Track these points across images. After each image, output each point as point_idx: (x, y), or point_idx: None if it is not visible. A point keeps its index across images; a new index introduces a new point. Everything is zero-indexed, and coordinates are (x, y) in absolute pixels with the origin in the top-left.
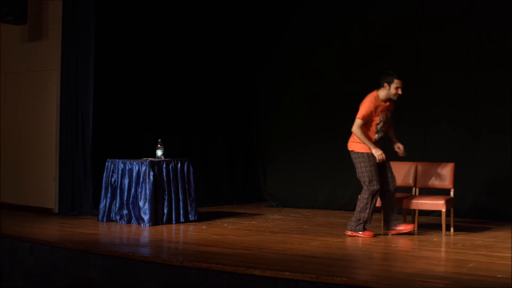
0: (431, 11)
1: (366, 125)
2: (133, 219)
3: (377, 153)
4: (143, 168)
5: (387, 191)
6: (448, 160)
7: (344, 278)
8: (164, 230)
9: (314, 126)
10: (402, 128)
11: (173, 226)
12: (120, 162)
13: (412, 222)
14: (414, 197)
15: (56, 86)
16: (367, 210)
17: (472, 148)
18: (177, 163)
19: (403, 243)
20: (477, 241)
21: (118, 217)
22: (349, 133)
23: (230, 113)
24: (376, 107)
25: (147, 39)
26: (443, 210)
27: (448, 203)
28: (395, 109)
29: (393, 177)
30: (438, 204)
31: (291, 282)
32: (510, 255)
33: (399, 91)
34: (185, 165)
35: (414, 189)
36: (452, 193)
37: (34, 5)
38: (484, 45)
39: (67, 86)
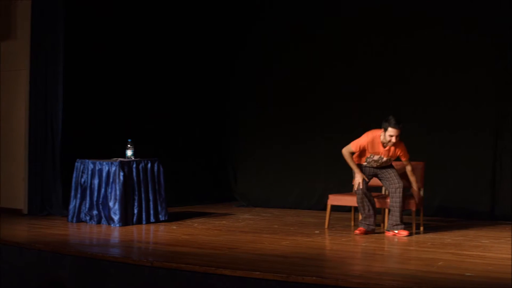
0: (405, 10)
1: (360, 153)
2: (103, 220)
3: (356, 178)
4: (113, 168)
5: (391, 193)
6: (418, 160)
7: (314, 278)
8: (134, 231)
9: (285, 126)
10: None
11: (143, 226)
12: (89, 163)
13: (382, 221)
14: (384, 196)
15: (25, 86)
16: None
17: (442, 147)
18: (147, 163)
19: (373, 242)
20: (446, 239)
21: (88, 218)
22: (319, 133)
23: (200, 113)
24: (371, 146)
25: (117, 39)
26: (413, 209)
27: (417, 198)
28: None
29: (396, 179)
30: (408, 203)
31: (261, 281)
32: (479, 253)
33: (393, 139)
34: (155, 165)
35: (384, 188)
36: (422, 192)
37: (2, 4)
38: (458, 45)
39: (36, 86)
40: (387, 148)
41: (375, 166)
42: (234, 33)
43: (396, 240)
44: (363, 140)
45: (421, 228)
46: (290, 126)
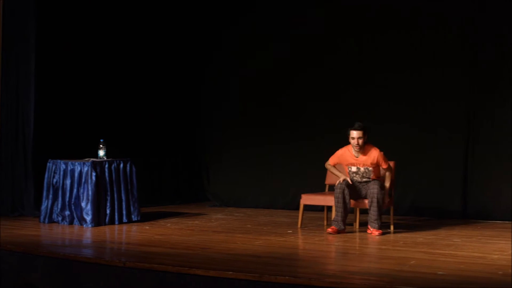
0: (379, 10)
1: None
2: (75, 220)
3: (339, 179)
4: (85, 169)
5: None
6: (389, 159)
7: (287, 277)
8: (107, 231)
9: (258, 126)
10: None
11: (116, 226)
12: (61, 163)
13: (355, 220)
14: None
15: None
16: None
17: (414, 147)
18: (120, 163)
19: (346, 242)
20: (418, 238)
21: (60, 218)
22: (292, 133)
23: (173, 113)
24: (344, 158)
25: (90, 39)
26: (383, 208)
27: (388, 201)
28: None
29: (373, 183)
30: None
31: (234, 281)
32: (450, 252)
33: (355, 142)
34: (128, 165)
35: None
36: (392, 191)
37: None
38: (430, 45)
39: (8, 86)
40: (360, 157)
41: (359, 179)
42: (209, 32)
43: (369, 239)
44: (337, 152)
45: (391, 228)
46: (263, 126)
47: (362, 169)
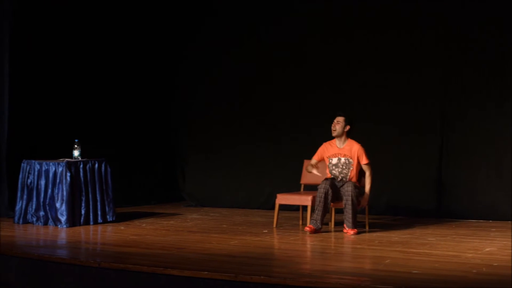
0: (354, 10)
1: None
2: (50, 221)
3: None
4: (60, 169)
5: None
6: None
7: (262, 277)
8: (82, 231)
9: (233, 126)
10: (325, 127)
11: (91, 227)
12: (36, 163)
13: (329, 220)
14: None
15: None
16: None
17: (389, 146)
18: (94, 164)
19: (321, 241)
20: (393, 237)
21: (34, 219)
22: (268, 133)
23: (148, 113)
24: (327, 148)
25: (64, 38)
26: (359, 207)
27: (363, 200)
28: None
29: (347, 185)
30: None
31: (209, 281)
32: (425, 251)
33: (333, 125)
34: (103, 165)
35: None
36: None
37: None
38: (406, 45)
39: None
40: (342, 148)
41: (337, 174)
42: (182, 31)
43: (344, 238)
44: (320, 148)
45: (367, 227)
46: (238, 125)
47: (343, 159)
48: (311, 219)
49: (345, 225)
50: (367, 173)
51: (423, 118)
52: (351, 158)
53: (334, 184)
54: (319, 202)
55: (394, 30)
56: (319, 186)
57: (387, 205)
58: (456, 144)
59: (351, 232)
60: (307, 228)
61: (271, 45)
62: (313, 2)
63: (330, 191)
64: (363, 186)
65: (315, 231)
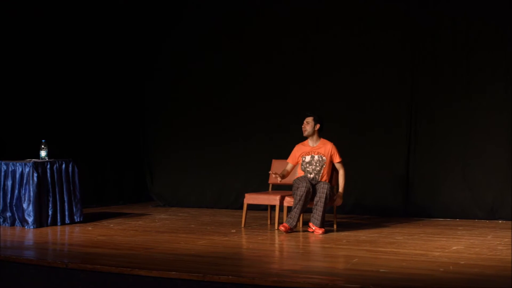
0: (320, 11)
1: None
2: (17, 222)
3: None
4: (27, 169)
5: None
6: None
7: (230, 277)
8: (49, 232)
9: (202, 126)
10: (292, 129)
11: (58, 228)
12: (2, 164)
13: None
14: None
15: None
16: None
17: (357, 145)
18: (62, 164)
19: (289, 241)
20: (361, 237)
21: (1, 220)
22: (236, 133)
23: (117, 113)
24: (300, 148)
25: (31, 38)
26: (327, 206)
27: (338, 199)
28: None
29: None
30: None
31: (177, 281)
32: (393, 249)
33: (303, 126)
34: (70, 165)
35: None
36: (335, 191)
37: None
38: (371, 44)
39: None
40: (315, 146)
41: (311, 171)
42: (153, 31)
43: (312, 237)
44: (294, 149)
45: (335, 226)
46: (207, 126)
47: (316, 157)
48: (287, 217)
49: (311, 224)
50: (341, 172)
51: (390, 117)
52: (324, 156)
53: (312, 183)
54: (299, 200)
55: (359, 30)
56: (297, 185)
57: (355, 204)
58: (423, 144)
59: (319, 231)
60: (281, 228)
61: (237, 47)
62: (280, 4)
63: (311, 190)
64: (335, 186)
65: (290, 230)
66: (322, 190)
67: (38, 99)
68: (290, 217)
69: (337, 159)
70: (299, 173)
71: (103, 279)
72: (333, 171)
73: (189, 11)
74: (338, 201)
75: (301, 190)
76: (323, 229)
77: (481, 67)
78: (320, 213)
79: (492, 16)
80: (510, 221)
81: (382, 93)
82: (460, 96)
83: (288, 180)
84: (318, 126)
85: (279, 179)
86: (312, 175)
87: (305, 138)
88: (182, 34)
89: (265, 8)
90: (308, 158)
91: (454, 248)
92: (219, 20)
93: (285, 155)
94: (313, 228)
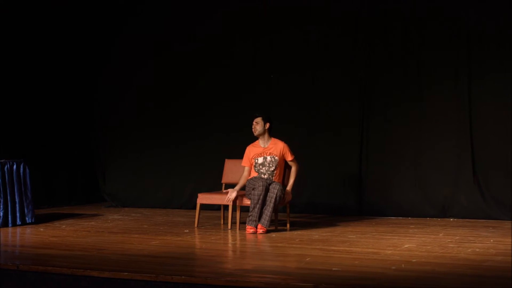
0: (270, 10)
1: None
2: None
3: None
4: None
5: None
6: None
7: (183, 277)
8: (0, 234)
9: (155, 127)
10: (245, 129)
11: (10, 229)
12: None
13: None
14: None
15: None
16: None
17: (309, 145)
18: (13, 165)
19: (242, 240)
20: (314, 236)
21: None
22: (189, 134)
23: (68, 114)
24: (252, 149)
25: None
26: (279, 206)
27: (287, 195)
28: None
29: (275, 185)
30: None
31: (130, 282)
32: (345, 248)
33: (253, 127)
34: (21, 166)
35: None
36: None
37: None
38: (322, 44)
39: None
40: (267, 147)
41: (265, 172)
42: (105, 30)
43: (265, 237)
44: (246, 151)
45: (288, 225)
46: (159, 126)
47: (268, 158)
48: (248, 220)
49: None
50: (293, 168)
51: (342, 117)
52: (276, 156)
53: (267, 183)
54: (258, 200)
55: (311, 30)
56: (252, 186)
57: (307, 203)
58: (375, 143)
59: (261, 230)
60: (250, 230)
61: (189, 48)
62: (230, 5)
63: (268, 188)
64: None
65: (256, 231)
66: (273, 191)
67: None
68: (252, 219)
69: (289, 157)
70: (252, 174)
71: (55, 280)
72: (286, 170)
73: (139, 12)
74: (287, 198)
75: (259, 189)
76: (265, 228)
77: (432, 66)
78: (268, 213)
79: (443, 14)
80: (461, 219)
81: (334, 93)
82: (411, 95)
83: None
84: (268, 125)
85: (234, 194)
86: (266, 176)
87: (256, 138)
88: (133, 35)
89: (216, 9)
90: (260, 160)
91: (406, 246)
92: (170, 22)
93: (238, 155)
94: (251, 228)
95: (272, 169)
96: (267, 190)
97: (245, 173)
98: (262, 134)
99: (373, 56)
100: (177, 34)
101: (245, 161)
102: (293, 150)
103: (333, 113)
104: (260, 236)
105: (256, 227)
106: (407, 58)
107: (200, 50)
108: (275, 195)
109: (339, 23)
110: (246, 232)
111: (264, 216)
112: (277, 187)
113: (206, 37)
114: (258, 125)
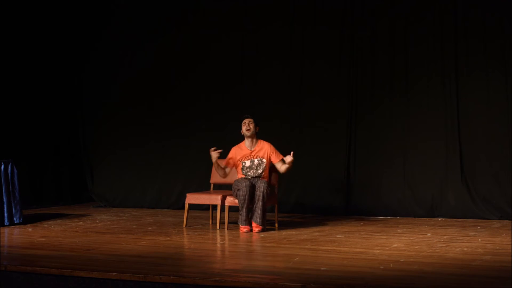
0: (254, 8)
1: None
2: None
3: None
4: None
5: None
6: None
7: (172, 277)
8: None
9: (143, 126)
10: (231, 127)
11: None
12: None
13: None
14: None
15: None
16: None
17: (297, 144)
18: (0, 165)
19: (231, 240)
20: (302, 235)
21: None
22: (177, 133)
23: (54, 113)
24: (238, 151)
25: None
26: (267, 206)
27: (272, 199)
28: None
29: (260, 183)
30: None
31: (118, 282)
32: (334, 248)
33: (246, 126)
34: (9, 166)
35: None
36: (276, 190)
37: None
38: (307, 40)
39: None
40: (254, 149)
41: (253, 175)
42: (86, 30)
43: (254, 237)
44: (230, 152)
45: (276, 225)
46: (147, 125)
47: (256, 161)
48: (240, 220)
49: (253, 222)
50: (283, 168)
51: (330, 116)
52: (263, 158)
53: (252, 182)
54: (244, 200)
55: (298, 26)
56: (237, 187)
57: (296, 203)
58: (364, 142)
59: (256, 229)
60: (243, 230)
61: (172, 46)
62: (213, 2)
63: (252, 189)
64: (274, 185)
65: (251, 230)
66: (259, 189)
67: None
68: (243, 219)
69: (276, 159)
70: (240, 176)
71: (43, 281)
72: (272, 169)
73: (124, 8)
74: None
75: (243, 190)
76: (261, 227)
77: (419, 65)
78: (260, 211)
79: (429, 12)
80: (449, 219)
81: (323, 92)
82: (399, 94)
83: (230, 179)
84: (257, 128)
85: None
86: (255, 175)
87: (242, 138)
88: (116, 32)
89: (202, 6)
90: (248, 163)
91: (394, 245)
92: (152, 20)
93: (226, 154)
94: (246, 227)
95: (260, 171)
96: (252, 188)
97: (226, 170)
98: (253, 136)
99: (360, 54)
100: (162, 31)
101: (225, 160)
102: (280, 148)
103: (321, 111)
104: (248, 236)
105: (250, 225)
106: (394, 56)
107: (186, 47)
108: (262, 193)
109: (325, 20)
110: (240, 231)
111: (256, 214)
112: (263, 184)
113: (192, 35)
114: (252, 125)
